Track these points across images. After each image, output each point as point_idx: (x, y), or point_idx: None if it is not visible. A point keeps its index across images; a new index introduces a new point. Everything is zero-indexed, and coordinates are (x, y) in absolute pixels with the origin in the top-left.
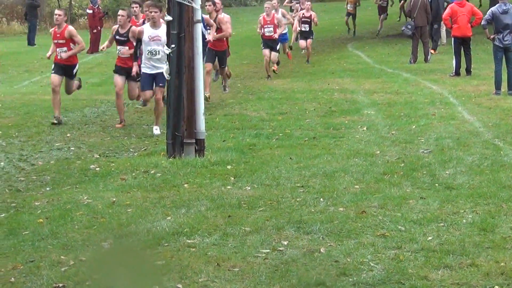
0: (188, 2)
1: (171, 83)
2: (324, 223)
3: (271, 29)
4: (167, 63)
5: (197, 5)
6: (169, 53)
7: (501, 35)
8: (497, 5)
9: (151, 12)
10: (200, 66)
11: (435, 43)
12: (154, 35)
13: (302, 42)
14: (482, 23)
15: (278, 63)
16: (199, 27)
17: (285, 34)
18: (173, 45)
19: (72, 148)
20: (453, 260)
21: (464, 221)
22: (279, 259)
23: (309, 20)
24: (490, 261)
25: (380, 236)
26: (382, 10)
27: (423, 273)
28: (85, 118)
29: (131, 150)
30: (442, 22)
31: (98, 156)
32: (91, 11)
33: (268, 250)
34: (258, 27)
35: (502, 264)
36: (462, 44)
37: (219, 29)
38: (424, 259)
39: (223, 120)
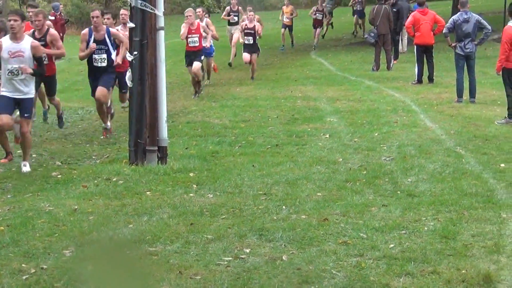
0: (151, 9)
1: (134, 90)
2: (287, 230)
3: (196, 39)
4: (130, 70)
5: (160, 12)
6: (132, 60)
7: (463, 43)
8: (458, 13)
9: (10, 21)
10: (163, 73)
11: (396, 53)
12: (15, 50)
13: (245, 56)
14: (444, 31)
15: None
16: (162, 34)
17: (211, 47)
18: (135, 52)
19: (34, 155)
20: (415, 268)
21: (425, 228)
22: (241, 267)
23: (252, 31)
24: (452, 269)
25: (342, 244)
26: (318, 23)
27: (385, 281)
28: (47, 125)
29: (93, 157)
30: (404, 30)
31: (60, 164)
32: (53, 18)
33: (230, 258)
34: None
35: (463, 271)
36: (425, 52)
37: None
38: (386, 267)
39: (185, 127)
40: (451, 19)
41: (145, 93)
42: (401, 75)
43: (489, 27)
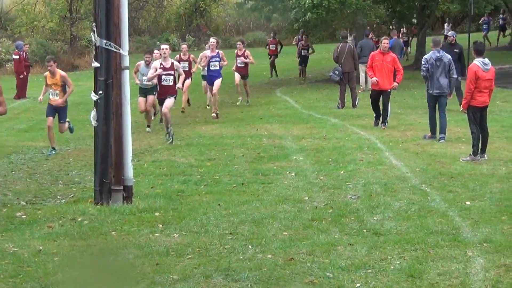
0: (116, 48)
1: (99, 130)
2: (253, 270)
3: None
4: (94, 109)
5: (125, 51)
6: (97, 99)
7: (434, 82)
8: (430, 52)
9: None
10: (128, 112)
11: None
12: None
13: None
14: (422, 74)
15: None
16: (127, 73)
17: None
18: (100, 92)
19: None
20: None
21: (392, 267)
22: None
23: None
24: None
25: (309, 283)
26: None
27: None
28: (12, 165)
29: (58, 197)
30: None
31: (24, 204)
32: (17, 57)
33: None
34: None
35: None
36: (382, 95)
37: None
38: None
39: (151, 166)
40: (423, 59)
41: (110, 132)
42: (366, 112)
43: (455, 76)
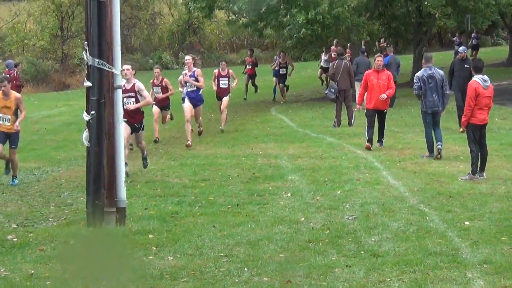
0: (108, 67)
1: (91, 150)
2: None
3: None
4: (87, 129)
5: (117, 70)
6: (89, 119)
7: (428, 99)
8: (422, 69)
9: None
10: (121, 132)
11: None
12: None
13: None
14: (414, 92)
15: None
16: (120, 92)
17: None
18: (92, 112)
19: None
20: None
21: None
22: None
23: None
24: None
25: None
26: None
27: None
28: (2, 187)
29: (50, 219)
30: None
31: (15, 226)
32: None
33: None
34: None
35: None
36: (377, 114)
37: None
38: None
39: (144, 187)
40: (415, 77)
41: (102, 153)
42: (363, 131)
43: (448, 92)
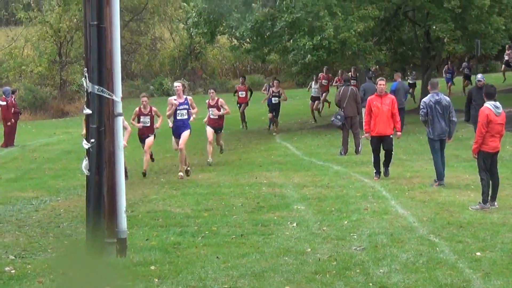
0: (108, 94)
1: (91, 179)
2: None
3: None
4: (86, 158)
5: (117, 97)
6: (89, 148)
7: (434, 126)
8: (429, 95)
9: None
10: (122, 161)
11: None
12: None
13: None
14: (421, 119)
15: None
16: (121, 120)
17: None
18: (92, 140)
19: None
20: None
21: None
22: None
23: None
24: None
25: None
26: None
27: None
28: (0, 217)
29: (48, 250)
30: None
31: (13, 257)
32: (4, 103)
33: None
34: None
35: None
36: (382, 141)
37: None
38: None
39: (146, 217)
40: (422, 103)
41: (103, 182)
42: (370, 159)
43: (455, 119)
